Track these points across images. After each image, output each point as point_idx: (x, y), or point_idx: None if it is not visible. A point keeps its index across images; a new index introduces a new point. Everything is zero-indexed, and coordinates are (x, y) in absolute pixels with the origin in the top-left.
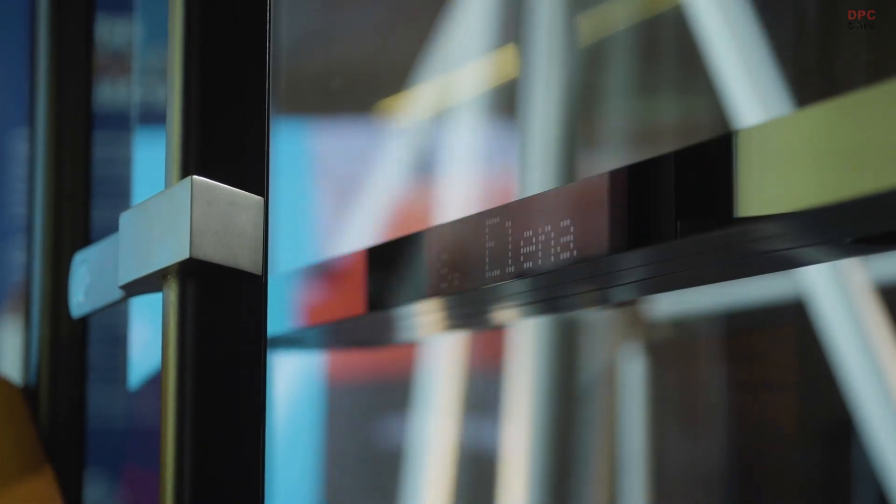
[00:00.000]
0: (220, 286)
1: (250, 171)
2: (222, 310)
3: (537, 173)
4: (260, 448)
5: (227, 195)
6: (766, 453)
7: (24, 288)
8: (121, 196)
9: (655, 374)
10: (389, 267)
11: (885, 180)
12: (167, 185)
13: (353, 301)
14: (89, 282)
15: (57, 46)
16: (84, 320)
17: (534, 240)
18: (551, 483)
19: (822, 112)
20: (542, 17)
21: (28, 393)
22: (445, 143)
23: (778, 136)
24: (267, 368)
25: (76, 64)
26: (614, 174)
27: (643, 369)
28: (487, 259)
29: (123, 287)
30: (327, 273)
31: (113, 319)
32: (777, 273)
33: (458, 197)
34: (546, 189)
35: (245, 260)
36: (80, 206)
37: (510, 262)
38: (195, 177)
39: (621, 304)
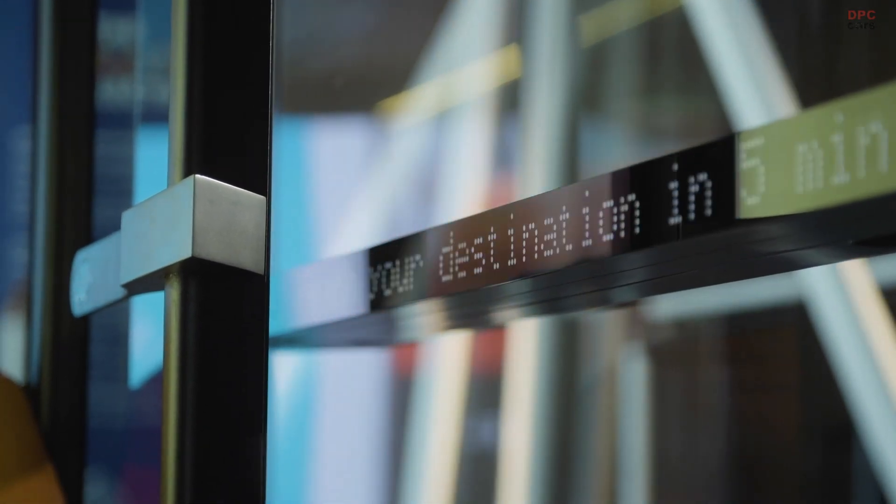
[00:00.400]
0: (222, 285)
1: (252, 170)
2: (224, 309)
3: (539, 173)
4: (261, 447)
5: (229, 194)
6: (767, 454)
7: (26, 286)
8: (123, 194)
9: (656, 375)
10: (390, 266)
11: (887, 183)
12: (169, 183)
13: (354, 300)
14: (91, 280)
15: (59, 44)
16: (85, 319)
17: (535, 240)
18: (552, 483)
19: (825, 113)
20: (544, 18)
21: (29, 391)
22: (447, 143)
23: (780, 138)
24: (268, 367)
25: (79, 62)
26: (616, 174)
27: (644, 370)
28: (489, 259)
29: (125, 286)
30: (328, 272)
31: (114, 318)
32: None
33: (459, 197)
34: (548, 189)
35: (247, 259)
36: (82, 204)
37: (511, 262)
38: (197, 175)
39: (623, 305)
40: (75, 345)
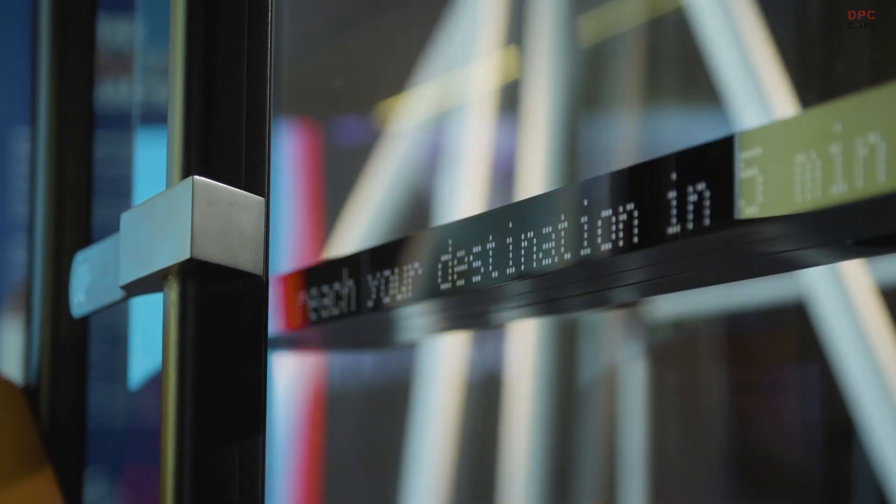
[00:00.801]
0: (220, 286)
1: (252, 172)
2: (223, 310)
3: (538, 173)
4: (260, 448)
5: (228, 195)
6: (767, 455)
7: (25, 287)
8: (122, 196)
9: (656, 376)
10: (390, 267)
11: (885, 183)
12: (168, 184)
13: (354, 302)
14: (90, 281)
15: (59, 45)
16: (85, 320)
17: (535, 241)
18: (551, 484)
19: (824, 114)
20: (543, 18)
21: (29, 392)
22: (447, 144)
23: (779, 138)
24: (267, 368)
25: (78, 63)
26: (615, 175)
27: (644, 371)
28: (488, 260)
29: (124, 287)
30: (328, 273)
31: (113, 319)
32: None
33: (460, 198)
34: (547, 190)
35: (246, 260)
36: (81, 205)
37: (511, 262)
38: (196, 177)
39: (622, 306)
40: (74, 346)
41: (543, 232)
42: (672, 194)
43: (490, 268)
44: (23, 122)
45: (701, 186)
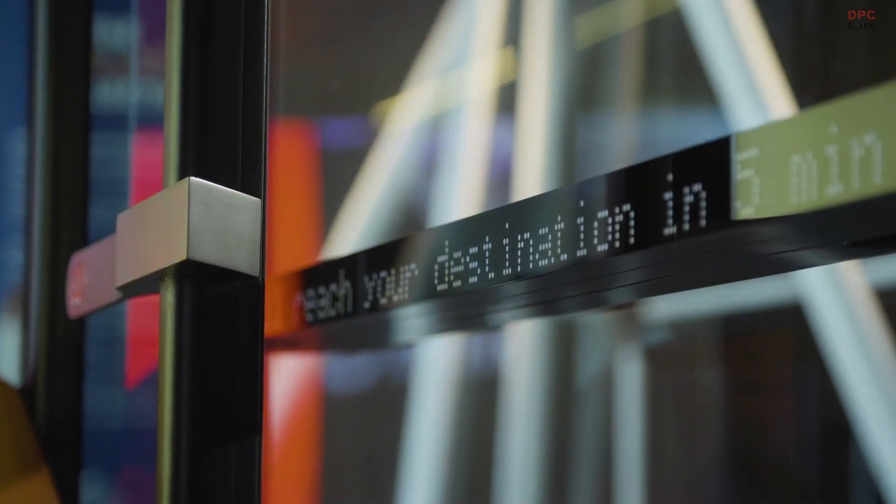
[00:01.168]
0: (217, 287)
1: (248, 173)
2: (219, 311)
3: (535, 175)
4: (256, 449)
5: (224, 196)
6: (764, 456)
7: (22, 288)
8: (118, 197)
9: (653, 377)
10: (387, 268)
11: (882, 184)
12: (165, 186)
13: (351, 303)
14: (87, 282)
15: (56, 47)
16: (81, 321)
17: (531, 242)
18: (549, 484)
19: (820, 115)
20: (540, 19)
21: (25, 393)
22: (444, 145)
23: (776, 139)
24: (263, 369)
25: (75, 64)
26: (612, 176)
27: (641, 372)
28: (485, 261)
29: (120, 288)
30: (324, 274)
31: (110, 320)
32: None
33: (457, 198)
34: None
35: (242, 261)
36: (77, 206)
37: (507, 263)
38: (193, 178)
39: (619, 307)
40: (71, 347)
41: (540, 233)
42: (668, 195)
43: (486, 269)
44: (19, 124)
45: (697, 187)
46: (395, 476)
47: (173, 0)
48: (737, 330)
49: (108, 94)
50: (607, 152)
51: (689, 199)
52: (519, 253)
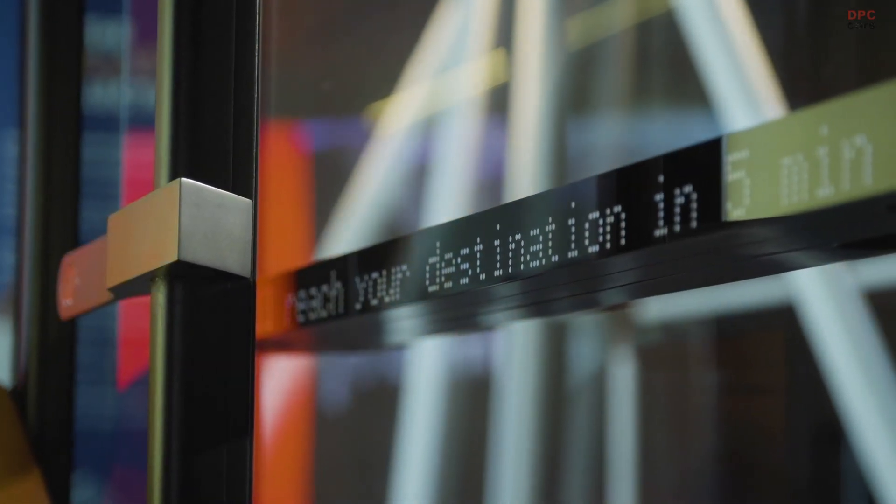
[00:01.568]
0: (208, 288)
1: (239, 174)
2: (210, 312)
3: (527, 176)
4: (248, 450)
5: (215, 197)
6: (756, 457)
7: (13, 289)
8: (110, 198)
9: (645, 378)
10: (379, 270)
11: (872, 185)
12: (156, 187)
13: (342, 304)
14: (78, 284)
15: (47, 48)
16: (72, 322)
17: (523, 243)
18: (541, 486)
19: (811, 116)
20: (531, 21)
21: (17, 394)
22: (436, 147)
23: (767, 140)
24: (254, 370)
25: (66, 65)
26: (603, 177)
27: (633, 373)
28: (476, 262)
29: (112, 289)
30: (316, 275)
31: (101, 321)
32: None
33: (449, 200)
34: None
35: (233, 262)
36: (69, 207)
37: (499, 265)
38: (184, 179)
39: (611, 308)
40: (62, 348)
41: (531, 234)
42: (659, 196)
43: (478, 270)
44: (11, 125)
45: (688, 189)
46: (387, 477)
47: (165, 1)
48: (728, 331)
49: (99, 94)
50: (599, 154)
51: (680, 200)
52: (510, 254)
